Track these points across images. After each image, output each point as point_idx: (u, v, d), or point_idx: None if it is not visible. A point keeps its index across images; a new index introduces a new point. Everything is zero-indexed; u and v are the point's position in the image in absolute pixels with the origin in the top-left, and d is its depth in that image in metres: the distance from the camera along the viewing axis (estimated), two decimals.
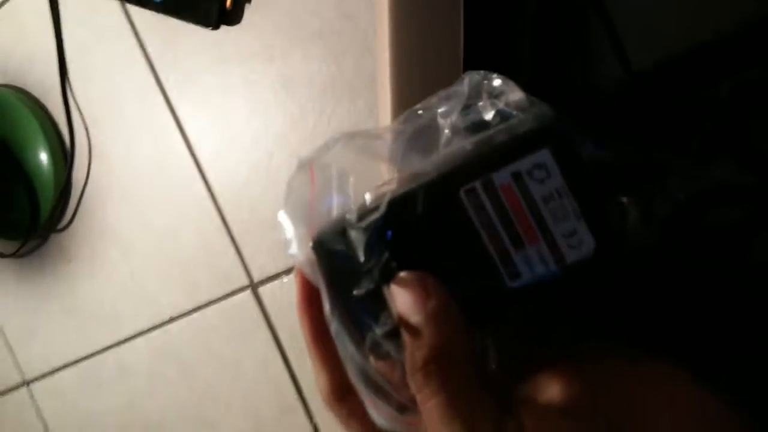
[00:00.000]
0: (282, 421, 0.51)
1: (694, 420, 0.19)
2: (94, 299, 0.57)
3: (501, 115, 0.22)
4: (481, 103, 0.22)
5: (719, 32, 0.30)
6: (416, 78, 0.32)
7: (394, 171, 0.23)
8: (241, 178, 0.49)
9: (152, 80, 0.50)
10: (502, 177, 0.20)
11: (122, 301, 0.55)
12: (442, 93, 0.23)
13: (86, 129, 0.54)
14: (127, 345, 0.56)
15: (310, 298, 0.23)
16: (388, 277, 0.21)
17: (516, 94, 0.22)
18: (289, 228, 0.23)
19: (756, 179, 0.31)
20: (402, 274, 0.21)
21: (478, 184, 0.20)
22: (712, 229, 0.28)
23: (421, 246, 0.21)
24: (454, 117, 0.22)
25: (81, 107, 0.54)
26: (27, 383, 0.62)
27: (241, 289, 0.51)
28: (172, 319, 0.53)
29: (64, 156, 0.55)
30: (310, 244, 0.22)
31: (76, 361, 0.59)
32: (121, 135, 0.53)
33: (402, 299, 0.20)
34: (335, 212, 0.23)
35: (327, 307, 0.21)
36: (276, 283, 0.50)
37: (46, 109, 0.55)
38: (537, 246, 0.20)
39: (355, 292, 0.21)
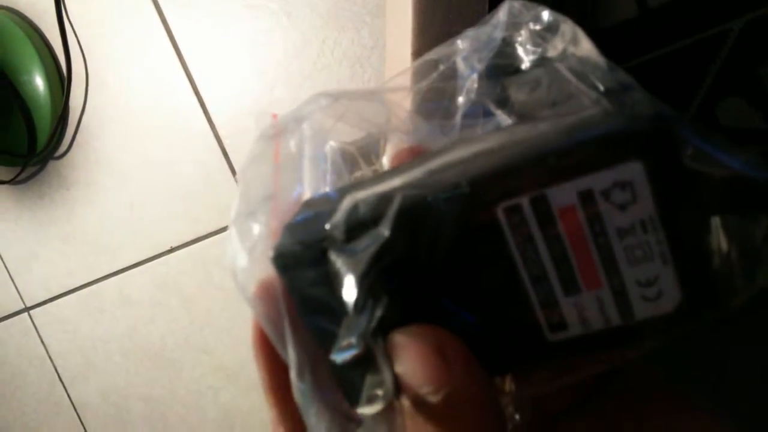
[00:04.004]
0: None
1: None
2: (93, 228, 0.57)
3: (553, 78, 0.16)
4: (522, 50, 0.16)
5: None
6: (440, 6, 0.29)
7: (391, 151, 0.18)
8: (243, 110, 0.49)
9: (150, 4, 0.49)
10: (562, 195, 0.13)
11: (122, 230, 0.55)
12: (470, 31, 0.17)
13: (83, 54, 0.53)
14: (127, 273, 0.57)
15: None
16: (385, 327, 0.14)
17: (584, 45, 0.16)
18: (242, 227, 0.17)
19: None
20: (408, 328, 0.14)
21: (525, 201, 0.14)
22: None
23: (435, 281, 0.15)
24: (478, 62, 0.17)
25: (77, 31, 0.52)
26: (28, 309, 0.63)
27: None
28: (172, 249, 0.54)
29: (60, 81, 0.54)
30: (270, 253, 0.16)
31: (77, 289, 0.60)
32: (118, 62, 0.52)
33: (408, 367, 0.14)
34: (308, 195, 0.18)
35: (293, 371, 0.16)
36: None
37: (41, 32, 0.54)
38: (597, 292, 0.14)
39: (334, 354, 0.14)
